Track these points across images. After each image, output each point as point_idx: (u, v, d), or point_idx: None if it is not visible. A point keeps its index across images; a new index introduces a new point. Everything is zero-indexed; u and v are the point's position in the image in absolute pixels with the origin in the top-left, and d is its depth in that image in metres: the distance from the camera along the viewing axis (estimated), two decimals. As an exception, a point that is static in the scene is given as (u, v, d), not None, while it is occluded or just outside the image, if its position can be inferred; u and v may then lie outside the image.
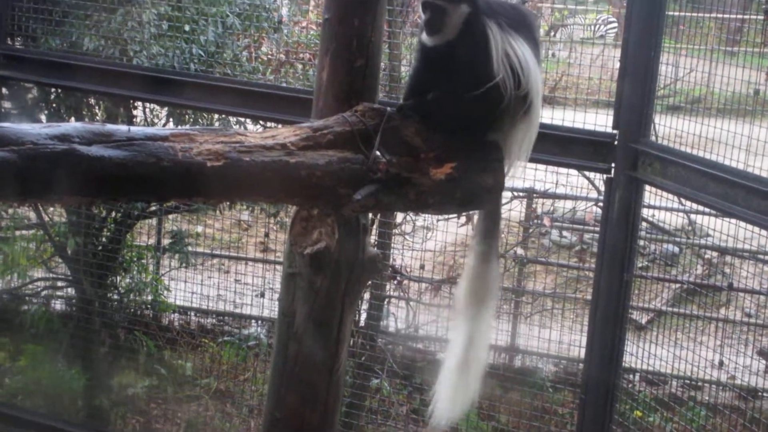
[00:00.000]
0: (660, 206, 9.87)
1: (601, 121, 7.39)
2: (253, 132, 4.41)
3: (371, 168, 4.42)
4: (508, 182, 4.90)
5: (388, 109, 4.59)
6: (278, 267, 9.56)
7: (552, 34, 12.15)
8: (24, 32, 9.26)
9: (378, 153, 4.48)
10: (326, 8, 4.85)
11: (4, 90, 9.40)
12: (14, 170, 3.74)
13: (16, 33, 9.28)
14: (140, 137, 4.03)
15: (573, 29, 12.74)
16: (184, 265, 10.51)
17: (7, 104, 9.75)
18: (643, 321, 11.28)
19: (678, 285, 11.41)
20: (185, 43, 9.19)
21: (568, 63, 10.23)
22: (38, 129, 3.89)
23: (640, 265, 11.37)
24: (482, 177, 4.69)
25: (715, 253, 11.60)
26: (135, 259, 10.66)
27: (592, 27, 15.63)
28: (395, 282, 10.02)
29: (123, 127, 4.07)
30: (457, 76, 4.54)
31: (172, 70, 8.88)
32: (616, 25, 15.88)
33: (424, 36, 4.64)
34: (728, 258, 11.35)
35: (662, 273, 12.13)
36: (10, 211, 10.51)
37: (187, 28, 9.21)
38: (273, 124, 8.15)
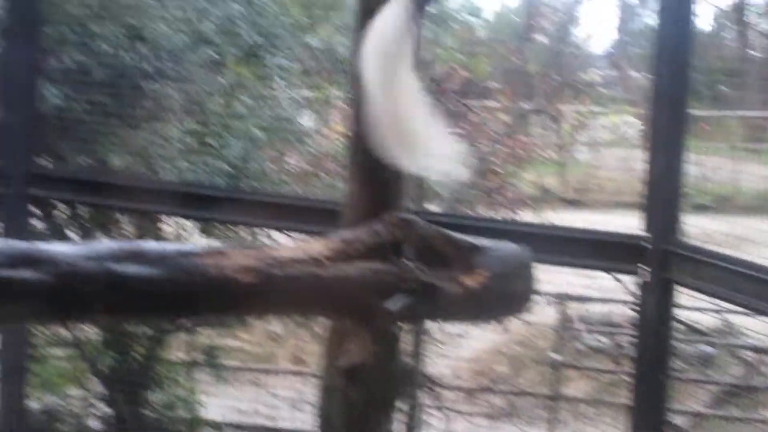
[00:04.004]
0: (694, 307, 9.79)
1: (629, 223, 7.38)
2: (284, 246, 4.41)
3: (403, 278, 4.40)
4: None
5: (418, 219, 4.59)
6: (312, 379, 9.52)
7: (575, 136, 12.20)
8: (52, 151, 9.36)
9: (409, 263, 4.46)
10: (354, 119, 4.87)
11: (33, 209, 9.47)
12: (50, 292, 3.75)
13: (45, 152, 9.38)
14: (172, 254, 4.03)
15: (596, 131, 12.80)
16: (217, 379, 10.48)
17: (37, 223, 9.82)
18: (683, 424, 11.13)
19: (716, 386, 11.30)
20: (211, 158, 9.27)
21: (593, 165, 10.26)
22: (72, 249, 3.90)
23: (676, 367, 11.27)
24: (514, 283, 4.67)
25: (752, 353, 11.50)
26: (168, 374, 10.64)
27: (615, 128, 15.69)
28: (429, 391, 9.96)
29: (155, 245, 4.08)
30: None
31: (199, 185, 8.93)
32: (638, 125, 15.94)
33: None
34: (766, 357, 11.25)
35: (699, 374, 12.02)
36: (44, 330, 10.52)
37: (213, 142, 9.30)
38: (302, 235, 8.17)
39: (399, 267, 4.43)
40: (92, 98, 9.26)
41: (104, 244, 4.00)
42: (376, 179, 4.83)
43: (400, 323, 5.01)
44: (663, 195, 6.96)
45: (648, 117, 7.28)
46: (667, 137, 6.94)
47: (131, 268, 3.91)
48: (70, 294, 3.80)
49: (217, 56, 9.45)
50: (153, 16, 9.24)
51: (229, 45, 9.46)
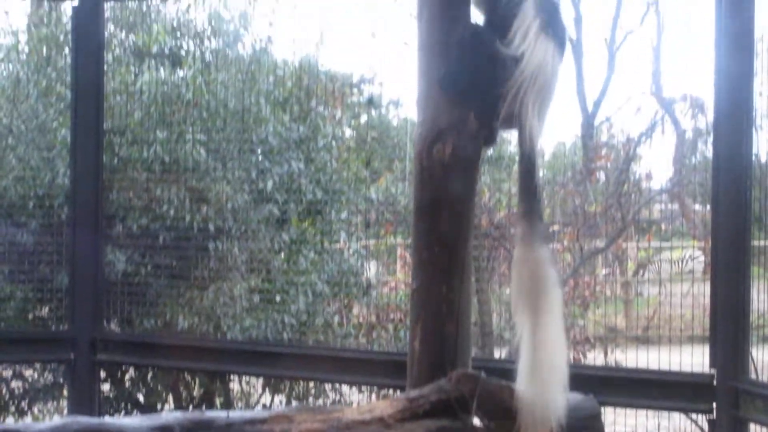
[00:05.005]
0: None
1: (697, 359, 7.29)
2: (349, 407, 4.43)
3: (470, 434, 4.40)
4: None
5: (482, 373, 4.60)
6: None
7: (641, 273, 12.16)
8: (120, 315, 9.46)
9: (476, 419, 4.46)
10: (414, 278, 4.92)
11: (102, 373, 9.54)
12: (118, 467, 3.79)
13: (113, 317, 9.48)
14: (239, 422, 4.07)
15: (661, 267, 12.73)
16: None
17: (105, 387, 9.87)
18: None
19: None
20: (277, 314, 9.31)
21: (659, 301, 10.18)
22: (140, 421, 3.96)
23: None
24: (581, 433, 4.65)
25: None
26: None
27: (680, 263, 15.61)
28: None
29: (222, 414, 4.13)
30: None
31: (265, 342, 8.97)
32: (702, 258, 15.82)
33: None
34: None
35: None
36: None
37: (278, 298, 9.35)
38: (369, 388, 8.17)
39: (465, 423, 4.42)
40: (158, 261, 9.37)
41: (171, 414, 4.05)
42: (438, 334, 4.85)
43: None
44: (729, 329, 6.89)
45: (711, 249, 7.23)
46: (730, 269, 6.90)
47: (199, 439, 3.95)
48: (139, 468, 3.84)
49: (279, 213, 9.55)
50: (215, 178, 9.38)
51: (291, 202, 9.56)
